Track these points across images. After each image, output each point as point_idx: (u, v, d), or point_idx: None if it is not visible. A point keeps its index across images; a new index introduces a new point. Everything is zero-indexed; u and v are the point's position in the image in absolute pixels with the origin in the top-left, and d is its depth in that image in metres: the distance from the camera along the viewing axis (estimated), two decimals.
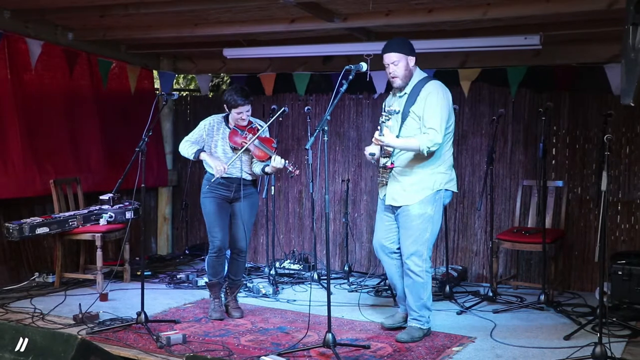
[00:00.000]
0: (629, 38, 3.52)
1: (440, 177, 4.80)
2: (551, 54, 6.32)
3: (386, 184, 4.88)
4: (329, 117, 4.42)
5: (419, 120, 4.68)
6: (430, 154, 4.68)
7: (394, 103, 4.87)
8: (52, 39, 6.62)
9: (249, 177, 5.40)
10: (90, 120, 7.14)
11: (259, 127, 5.33)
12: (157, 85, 8.32)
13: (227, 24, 6.28)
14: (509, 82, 6.42)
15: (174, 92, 5.66)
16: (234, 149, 5.29)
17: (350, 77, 4.49)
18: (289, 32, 6.37)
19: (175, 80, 9.14)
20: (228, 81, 9.73)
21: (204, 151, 5.27)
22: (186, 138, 5.37)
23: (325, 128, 4.42)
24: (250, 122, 5.33)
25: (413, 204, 4.75)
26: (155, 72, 8.22)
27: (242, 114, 5.21)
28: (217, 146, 5.32)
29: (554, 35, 5.83)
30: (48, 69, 6.61)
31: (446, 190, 4.86)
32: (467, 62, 6.72)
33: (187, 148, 5.30)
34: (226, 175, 5.25)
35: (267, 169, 5.26)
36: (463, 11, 5.43)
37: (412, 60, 4.76)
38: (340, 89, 4.44)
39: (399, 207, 4.82)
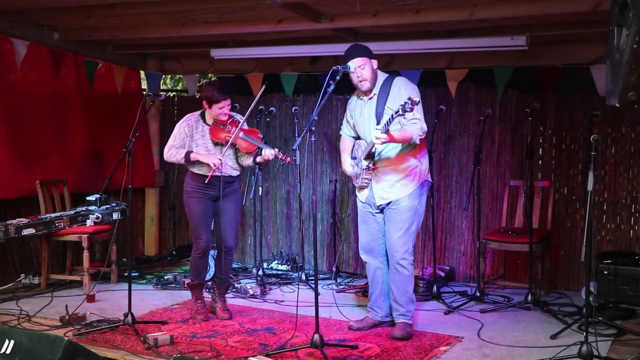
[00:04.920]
0: (614, 39, 3.53)
1: (423, 169, 4.93)
2: (537, 54, 6.35)
3: (367, 187, 4.91)
4: (316, 118, 4.43)
5: (401, 117, 4.70)
6: (412, 144, 4.78)
7: (364, 108, 4.91)
8: (38, 39, 6.57)
9: (235, 173, 5.39)
10: (77, 120, 7.10)
11: (240, 120, 5.31)
12: (144, 85, 8.29)
13: (214, 24, 6.27)
14: (496, 83, 6.44)
15: (160, 93, 5.64)
16: (217, 145, 5.27)
17: (338, 77, 4.52)
18: (276, 32, 6.36)
19: (162, 81, 9.12)
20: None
21: (192, 152, 5.24)
22: (169, 144, 5.31)
23: (313, 128, 4.43)
24: (230, 116, 5.31)
25: (403, 197, 4.84)
26: (142, 73, 8.19)
27: (223, 108, 5.19)
28: (198, 145, 5.29)
29: (540, 36, 5.87)
30: (34, 69, 6.56)
31: (427, 181, 4.98)
32: (454, 63, 6.74)
33: (174, 154, 5.26)
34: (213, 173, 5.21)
35: (258, 159, 5.25)
36: (450, 12, 5.44)
37: (375, 62, 4.86)
38: (328, 89, 4.45)
39: (388, 202, 4.87)
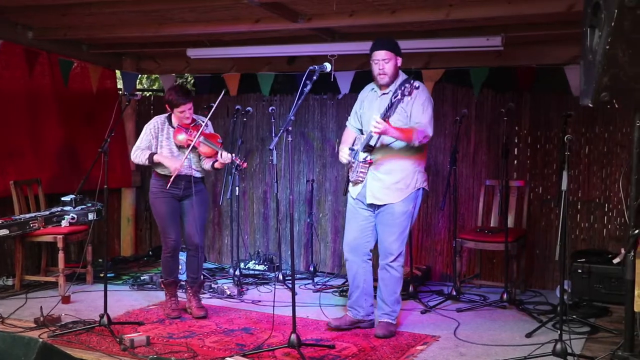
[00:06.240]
0: (587, 40, 3.58)
1: (420, 175, 4.93)
2: (513, 55, 6.40)
3: (362, 182, 4.92)
4: (292, 118, 4.44)
5: (406, 117, 4.74)
6: (415, 149, 4.80)
7: (375, 100, 4.93)
8: (12, 38, 6.50)
9: (198, 174, 5.47)
10: (51, 120, 7.04)
11: (202, 124, 5.37)
12: (119, 85, 8.24)
13: (191, 23, 6.24)
14: (472, 83, 6.48)
15: (136, 93, 5.61)
16: (180, 148, 5.35)
17: (315, 77, 4.50)
18: (253, 32, 6.35)
19: (138, 81, 9.06)
20: (192, 81, 9.68)
21: (156, 153, 5.33)
22: (136, 145, 5.40)
23: (290, 128, 4.44)
24: (193, 120, 5.39)
25: (397, 202, 4.85)
26: (118, 72, 8.13)
27: (185, 112, 5.28)
28: (162, 147, 5.37)
29: (515, 36, 5.91)
30: (7, 68, 6.49)
31: (423, 188, 4.98)
32: (430, 63, 6.77)
33: (139, 155, 5.34)
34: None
35: (216, 165, 5.36)
36: (426, 12, 5.47)
37: (400, 61, 4.89)
38: (304, 89, 4.45)
39: (381, 205, 4.88)
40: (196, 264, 5.54)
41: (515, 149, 6.74)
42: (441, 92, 6.92)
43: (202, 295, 6.03)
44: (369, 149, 4.84)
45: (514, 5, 5.17)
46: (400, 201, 4.85)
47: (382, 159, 4.86)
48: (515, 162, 6.74)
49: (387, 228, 4.90)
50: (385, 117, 4.52)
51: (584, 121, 6.46)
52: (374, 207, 4.95)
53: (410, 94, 4.41)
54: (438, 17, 5.45)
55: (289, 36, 6.61)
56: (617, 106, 5.68)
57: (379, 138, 4.78)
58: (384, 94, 4.89)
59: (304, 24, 5.89)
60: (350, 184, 5.07)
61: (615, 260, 5.62)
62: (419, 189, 4.92)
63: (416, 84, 4.49)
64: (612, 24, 3.19)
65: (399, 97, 4.43)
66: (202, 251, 5.57)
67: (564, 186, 4.31)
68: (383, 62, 4.80)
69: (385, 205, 4.88)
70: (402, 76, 4.93)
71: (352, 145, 5.05)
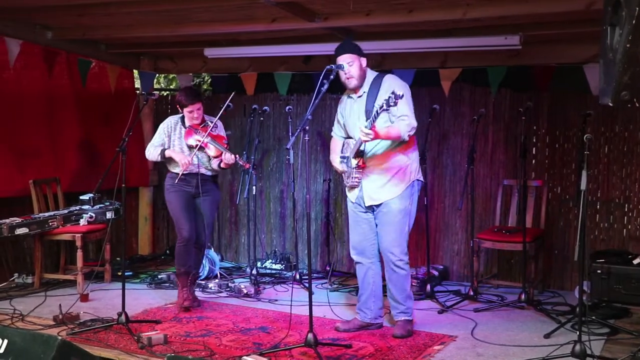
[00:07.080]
0: (607, 38, 3.54)
1: (414, 168, 4.91)
2: (531, 54, 6.35)
3: (358, 186, 4.91)
4: (310, 117, 4.44)
5: (387, 113, 4.71)
6: (404, 144, 4.78)
7: (353, 105, 4.92)
8: (31, 38, 6.55)
9: (209, 173, 5.64)
10: (70, 119, 7.09)
11: (210, 125, 5.58)
12: (137, 84, 8.27)
13: (207, 23, 6.26)
14: (490, 82, 6.45)
15: (154, 92, 5.65)
16: (190, 147, 5.52)
17: (332, 76, 4.53)
18: (269, 31, 6.36)
19: (155, 80, 9.09)
20: (209, 81, 9.70)
21: (168, 149, 5.55)
22: (150, 143, 5.63)
23: (307, 128, 4.43)
24: (203, 120, 5.59)
25: (393, 199, 4.82)
26: (135, 72, 8.17)
27: (193, 112, 5.47)
28: (174, 146, 5.58)
29: (533, 35, 5.87)
30: (27, 68, 6.54)
31: (418, 180, 4.96)
32: (447, 62, 6.74)
33: (152, 152, 5.57)
34: (186, 172, 5.47)
35: (222, 165, 5.56)
36: (443, 11, 5.44)
37: (364, 61, 4.87)
38: (322, 88, 4.46)
39: (379, 204, 4.86)
40: (199, 259, 5.80)
41: (534, 149, 6.70)
42: (458, 91, 6.89)
43: (219, 294, 6.11)
44: (360, 154, 4.83)
45: (532, 3, 5.13)
46: (397, 197, 4.82)
47: (373, 160, 4.84)
48: (534, 161, 6.70)
49: (386, 227, 4.88)
50: (372, 125, 4.50)
51: (604, 120, 6.40)
52: (372, 208, 4.94)
53: (395, 104, 4.35)
54: (455, 16, 5.43)
55: (305, 35, 6.61)
56: (637, 105, 5.61)
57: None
58: (359, 96, 4.89)
59: (321, 24, 5.89)
60: (347, 189, 5.06)
61: (636, 261, 5.63)
62: (413, 181, 4.90)
63: (399, 92, 4.33)
64: (633, 21, 3.15)
65: (384, 107, 4.40)
66: (205, 248, 5.86)
67: (583, 186, 4.28)
68: (347, 65, 4.77)
69: (382, 203, 4.86)
70: (372, 74, 4.92)
71: (342, 153, 5.05)
